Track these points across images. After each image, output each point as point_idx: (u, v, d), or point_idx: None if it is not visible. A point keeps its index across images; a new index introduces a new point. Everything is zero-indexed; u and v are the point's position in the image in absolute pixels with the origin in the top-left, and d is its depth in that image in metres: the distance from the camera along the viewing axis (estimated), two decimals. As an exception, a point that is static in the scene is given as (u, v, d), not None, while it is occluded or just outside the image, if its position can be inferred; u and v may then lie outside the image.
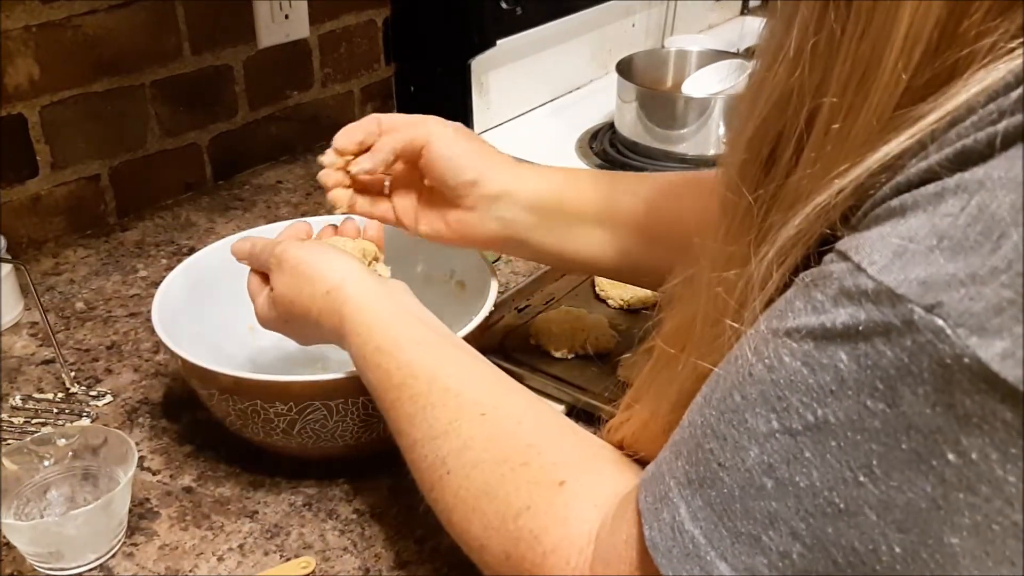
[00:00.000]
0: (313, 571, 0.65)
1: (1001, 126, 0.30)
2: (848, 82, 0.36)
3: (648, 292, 0.91)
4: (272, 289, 0.66)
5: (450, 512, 0.51)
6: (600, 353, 0.85)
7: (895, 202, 0.33)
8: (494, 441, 0.51)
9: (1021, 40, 0.32)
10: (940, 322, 0.30)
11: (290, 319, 0.66)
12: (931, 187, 0.32)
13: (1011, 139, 0.30)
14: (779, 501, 0.34)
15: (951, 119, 0.32)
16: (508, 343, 0.87)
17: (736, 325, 0.40)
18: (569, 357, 0.84)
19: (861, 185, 0.35)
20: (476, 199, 0.71)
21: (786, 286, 0.38)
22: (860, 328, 0.32)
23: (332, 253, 0.65)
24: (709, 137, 1.25)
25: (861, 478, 0.32)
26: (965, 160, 0.31)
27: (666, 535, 0.38)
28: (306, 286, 0.63)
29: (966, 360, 0.29)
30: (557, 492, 0.47)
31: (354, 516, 0.70)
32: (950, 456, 0.30)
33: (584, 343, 0.85)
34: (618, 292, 0.92)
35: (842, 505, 0.33)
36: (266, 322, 0.69)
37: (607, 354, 0.85)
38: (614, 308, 0.92)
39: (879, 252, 0.32)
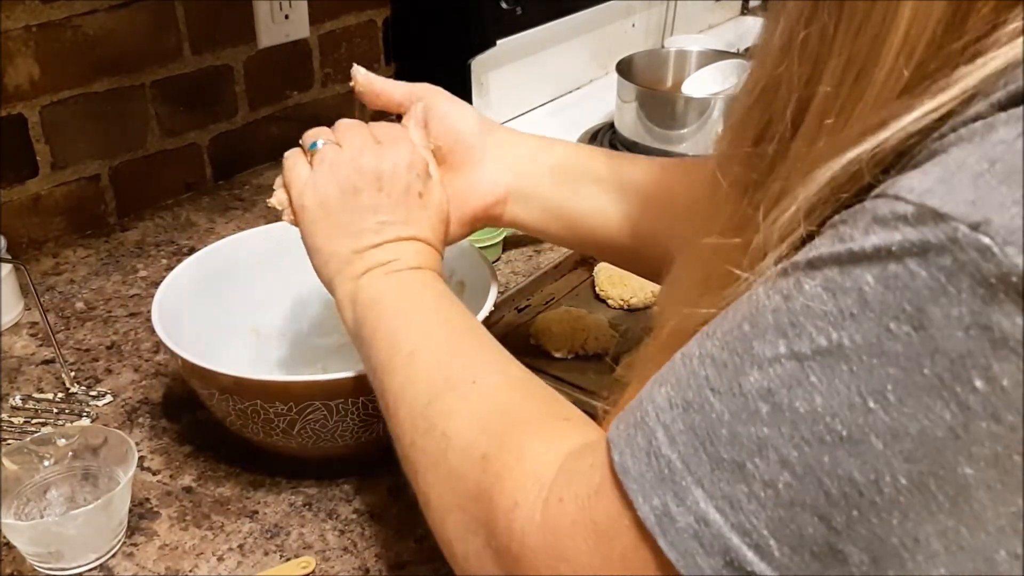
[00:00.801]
0: (313, 571, 0.65)
1: None
2: (844, 77, 0.35)
3: (648, 292, 0.91)
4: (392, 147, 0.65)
5: (452, 416, 0.49)
6: (600, 353, 0.85)
7: (936, 144, 0.32)
8: (524, 379, 0.51)
9: None
10: (987, 240, 0.28)
11: (372, 174, 0.63)
12: (978, 124, 0.31)
13: None
14: (772, 427, 0.33)
15: (998, 75, 0.31)
16: (508, 343, 0.85)
17: (745, 274, 0.38)
18: (569, 357, 0.85)
19: (894, 146, 0.34)
20: (485, 146, 0.69)
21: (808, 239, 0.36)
22: (892, 249, 0.31)
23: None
24: (709, 137, 1.25)
25: (871, 404, 0.31)
26: (1016, 99, 0.30)
27: (639, 460, 0.36)
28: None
29: (1014, 279, 0.28)
30: (559, 421, 0.47)
31: (354, 516, 0.70)
32: (977, 382, 0.29)
33: (584, 343, 0.85)
34: (618, 292, 0.92)
35: (844, 432, 0.31)
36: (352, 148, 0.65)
37: (607, 354, 0.85)
38: (614, 308, 0.93)
39: (918, 181, 0.31)
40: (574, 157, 0.71)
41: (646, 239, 0.68)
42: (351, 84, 0.72)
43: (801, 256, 0.34)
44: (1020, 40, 0.31)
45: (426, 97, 0.70)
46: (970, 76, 0.32)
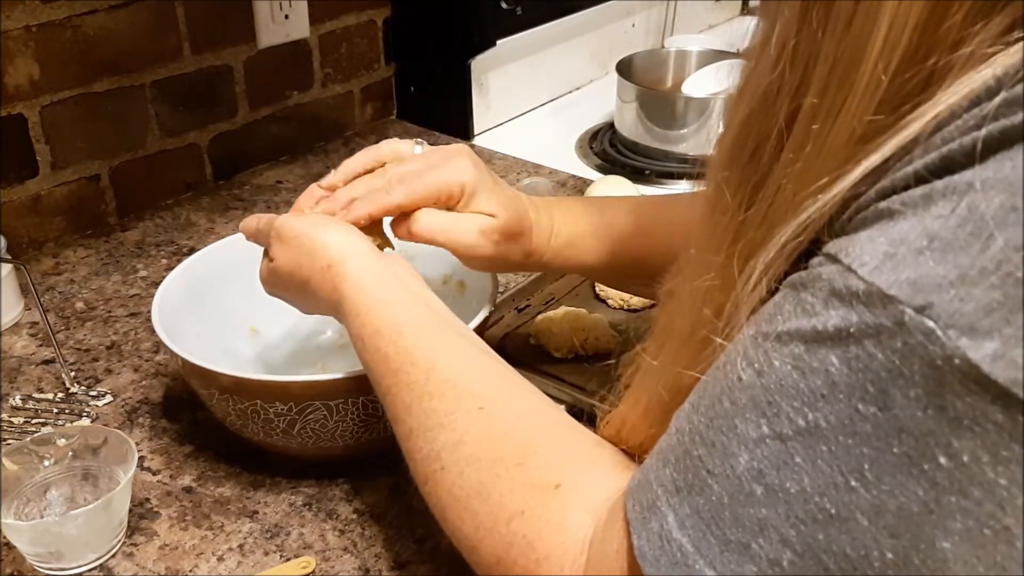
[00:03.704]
0: (313, 571, 0.65)
1: (984, 131, 0.30)
2: (828, 82, 0.36)
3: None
4: (272, 260, 0.65)
5: (443, 509, 0.50)
6: (600, 353, 0.85)
7: (882, 205, 0.33)
8: (490, 438, 0.50)
9: (998, 48, 0.32)
10: (931, 323, 0.30)
11: (289, 289, 0.65)
12: (919, 190, 0.32)
13: (996, 143, 0.30)
14: (769, 508, 0.34)
15: (936, 124, 0.32)
16: (508, 343, 0.87)
17: (720, 339, 0.40)
18: (569, 357, 0.84)
19: (845, 196, 0.35)
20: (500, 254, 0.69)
21: (771, 294, 0.38)
22: (851, 330, 0.32)
23: (333, 225, 0.62)
24: (709, 137, 1.25)
25: (852, 483, 0.32)
26: (951, 165, 0.31)
27: (654, 544, 0.38)
28: (305, 259, 0.61)
29: (957, 361, 0.29)
30: (552, 496, 0.46)
31: (354, 516, 0.70)
32: (941, 459, 0.30)
33: (584, 343, 0.85)
34: (618, 292, 0.92)
35: (833, 511, 0.33)
36: (267, 289, 0.68)
37: (607, 354, 0.85)
38: (614, 308, 0.93)
39: (869, 254, 0.32)
40: (592, 219, 0.71)
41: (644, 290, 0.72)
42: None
43: (767, 324, 0.36)
44: (961, 81, 0.32)
45: (471, 190, 0.66)
46: (911, 126, 0.33)
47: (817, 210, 0.36)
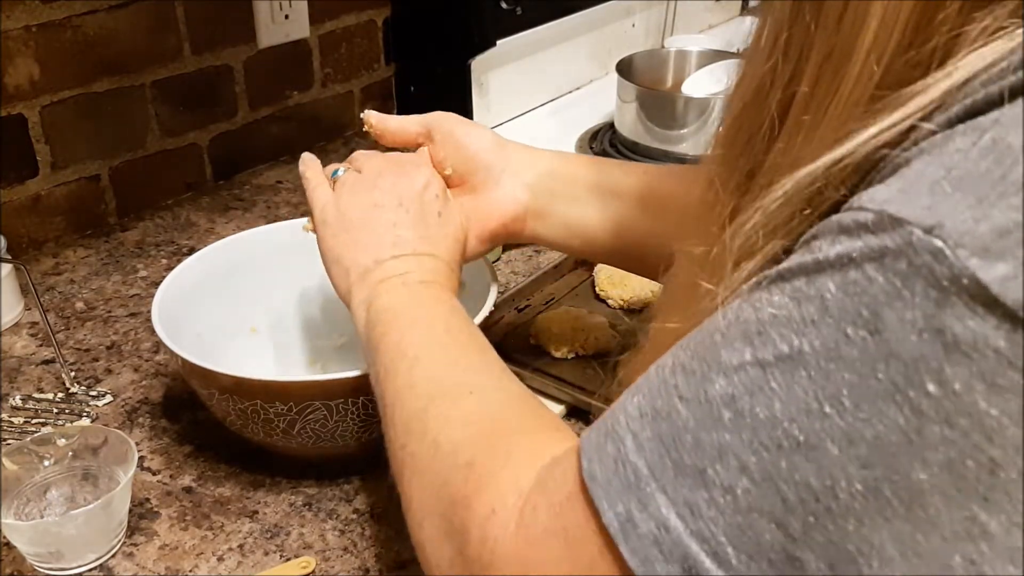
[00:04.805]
0: (313, 571, 0.65)
1: (1008, 80, 0.30)
2: (821, 73, 0.36)
3: (648, 292, 0.91)
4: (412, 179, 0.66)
5: (445, 422, 0.49)
6: (600, 353, 0.85)
7: (899, 159, 0.33)
8: (522, 394, 0.52)
9: (1016, 21, 0.31)
10: (939, 243, 0.29)
11: (381, 188, 0.65)
12: (938, 136, 0.31)
13: (1021, 86, 0.30)
14: (733, 433, 0.33)
15: (959, 87, 0.32)
16: (508, 343, 0.87)
17: (712, 286, 0.39)
18: (569, 357, 0.85)
19: (859, 163, 0.34)
20: (502, 166, 0.70)
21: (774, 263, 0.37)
22: (854, 255, 0.31)
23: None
24: (709, 137, 1.25)
25: (827, 409, 0.31)
26: (974, 112, 0.31)
27: (607, 467, 0.37)
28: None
29: (964, 281, 0.28)
30: (549, 431, 0.47)
31: (354, 516, 0.70)
32: (930, 386, 0.29)
33: (584, 343, 0.85)
34: (618, 292, 0.92)
35: (801, 438, 0.31)
36: (366, 172, 0.67)
37: (607, 354, 0.85)
38: (614, 308, 0.93)
39: (881, 192, 0.32)
40: (592, 170, 0.72)
41: (650, 242, 0.69)
42: (364, 129, 0.74)
43: (774, 269, 0.35)
44: (978, 51, 0.32)
45: (440, 124, 0.71)
46: (929, 90, 0.33)
47: (824, 166, 0.35)
